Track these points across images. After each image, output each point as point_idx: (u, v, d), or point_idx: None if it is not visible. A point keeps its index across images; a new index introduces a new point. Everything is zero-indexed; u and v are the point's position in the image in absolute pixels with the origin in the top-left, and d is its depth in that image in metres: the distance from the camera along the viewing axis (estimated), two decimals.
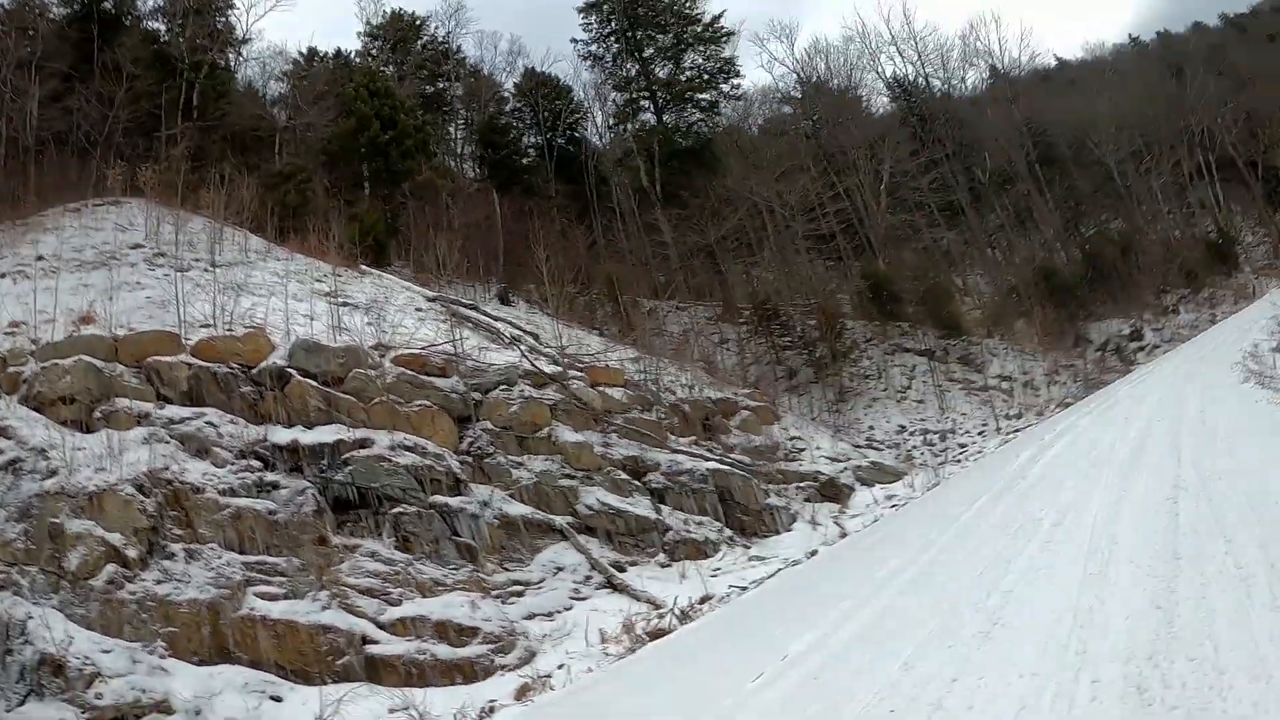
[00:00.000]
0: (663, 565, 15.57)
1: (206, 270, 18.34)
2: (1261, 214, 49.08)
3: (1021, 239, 47.62)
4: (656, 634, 11.90)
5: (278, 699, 9.87)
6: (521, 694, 10.31)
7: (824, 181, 42.45)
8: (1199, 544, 7.67)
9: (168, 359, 13.72)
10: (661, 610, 13.00)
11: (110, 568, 10.54)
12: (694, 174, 42.62)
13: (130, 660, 9.69)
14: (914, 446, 28.07)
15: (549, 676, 10.85)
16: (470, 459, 15.31)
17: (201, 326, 15.16)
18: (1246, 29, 74.08)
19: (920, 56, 56.61)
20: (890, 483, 22.36)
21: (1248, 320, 30.33)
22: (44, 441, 11.74)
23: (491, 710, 9.77)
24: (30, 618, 9.49)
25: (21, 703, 8.96)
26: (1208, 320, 39.15)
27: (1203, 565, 7.09)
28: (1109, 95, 51.95)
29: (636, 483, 17.17)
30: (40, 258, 17.97)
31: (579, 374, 19.21)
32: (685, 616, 12.62)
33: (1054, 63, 71.24)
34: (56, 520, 10.68)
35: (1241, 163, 48.81)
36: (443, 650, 11.44)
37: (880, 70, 57.54)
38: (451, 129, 48.54)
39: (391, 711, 9.76)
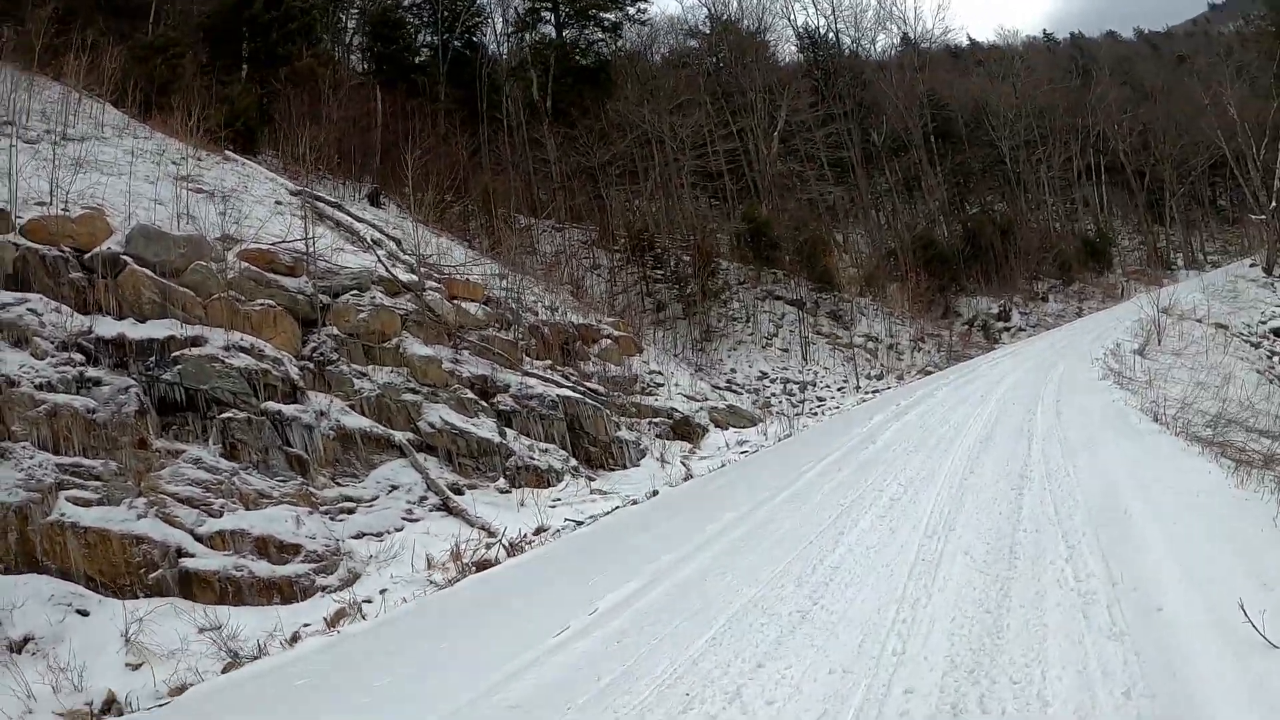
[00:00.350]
0: (502, 491, 15.43)
1: (57, 143, 17.05)
2: (1141, 221, 51.40)
3: (906, 206, 48.77)
4: (483, 564, 11.74)
5: (84, 613, 9.32)
6: (336, 620, 10.04)
7: (718, 119, 42.30)
8: (1039, 545, 7.48)
9: None
10: (492, 540, 12.90)
11: None
12: (587, 94, 41.84)
13: None
14: (773, 394, 28.56)
15: (368, 602, 10.61)
16: (312, 365, 14.71)
17: (37, 204, 13.92)
18: (1158, 47, 76.79)
19: (834, 11, 57.44)
20: (744, 428, 22.72)
21: (1113, 319, 31.58)
22: None
23: (296, 638, 9.49)
24: None
25: None
26: (1074, 312, 41.06)
27: (1040, 570, 6.83)
28: (1014, 83, 53.49)
29: (484, 403, 16.90)
30: None
31: (436, 285, 18.68)
32: (515, 548, 12.49)
33: (965, 41, 73.12)
34: None
35: (1130, 170, 51.08)
36: (261, 567, 11.02)
37: (792, 18, 57.80)
38: (343, 16, 46.15)
39: (200, 631, 9.39)
